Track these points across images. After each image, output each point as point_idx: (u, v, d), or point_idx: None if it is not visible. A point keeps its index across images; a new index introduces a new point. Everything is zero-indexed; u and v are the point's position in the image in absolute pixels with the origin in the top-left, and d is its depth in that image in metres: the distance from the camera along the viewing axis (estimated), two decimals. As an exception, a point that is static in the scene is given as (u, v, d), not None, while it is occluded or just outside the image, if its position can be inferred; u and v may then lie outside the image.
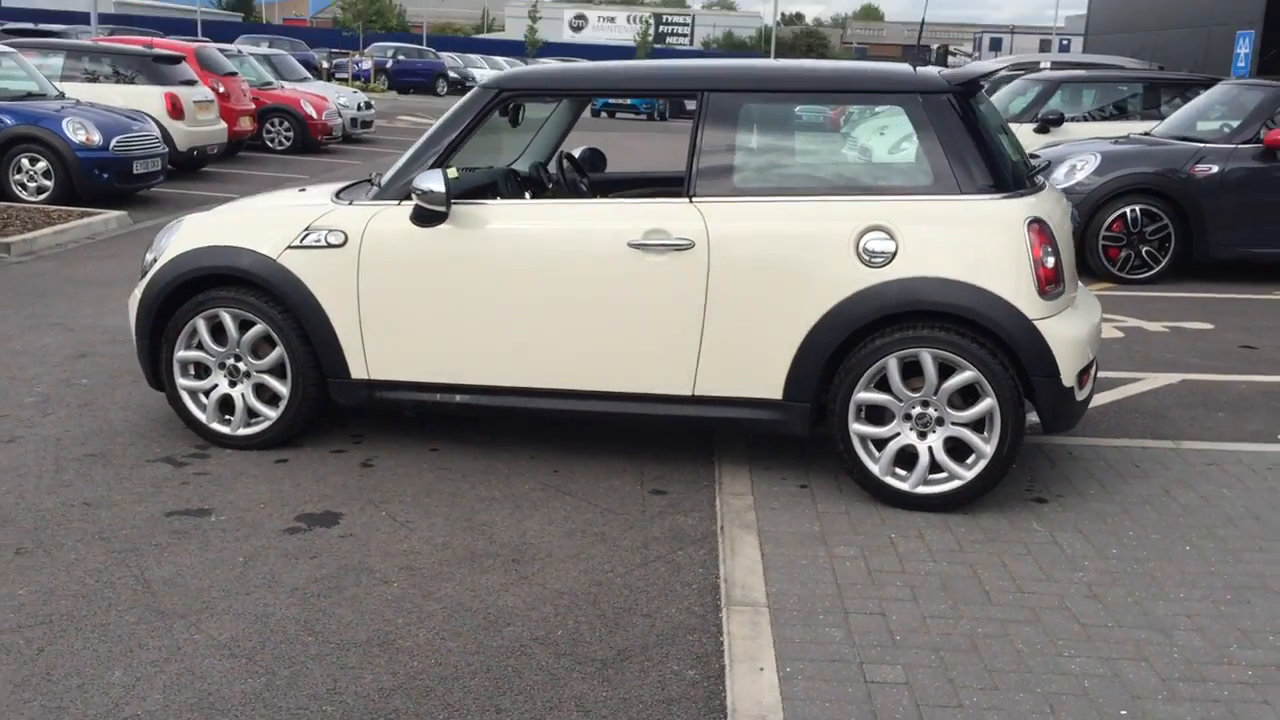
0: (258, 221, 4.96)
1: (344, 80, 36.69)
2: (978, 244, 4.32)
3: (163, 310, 4.91)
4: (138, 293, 5.01)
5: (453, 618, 3.57)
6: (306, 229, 4.74)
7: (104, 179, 11.40)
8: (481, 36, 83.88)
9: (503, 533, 4.21)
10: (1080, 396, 4.48)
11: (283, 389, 4.87)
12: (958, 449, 4.40)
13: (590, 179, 5.97)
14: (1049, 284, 4.34)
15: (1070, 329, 4.39)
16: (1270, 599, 3.80)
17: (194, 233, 4.96)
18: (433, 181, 4.50)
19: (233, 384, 4.93)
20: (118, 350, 6.41)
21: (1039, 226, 4.35)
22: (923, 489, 4.42)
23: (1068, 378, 4.33)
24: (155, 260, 4.97)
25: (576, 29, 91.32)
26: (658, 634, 3.51)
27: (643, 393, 4.61)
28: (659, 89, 5.02)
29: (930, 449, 4.40)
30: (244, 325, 4.84)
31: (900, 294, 4.31)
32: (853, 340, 4.40)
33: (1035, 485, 4.75)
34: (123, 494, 4.43)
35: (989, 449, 4.34)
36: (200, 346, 4.91)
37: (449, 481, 4.69)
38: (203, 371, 4.97)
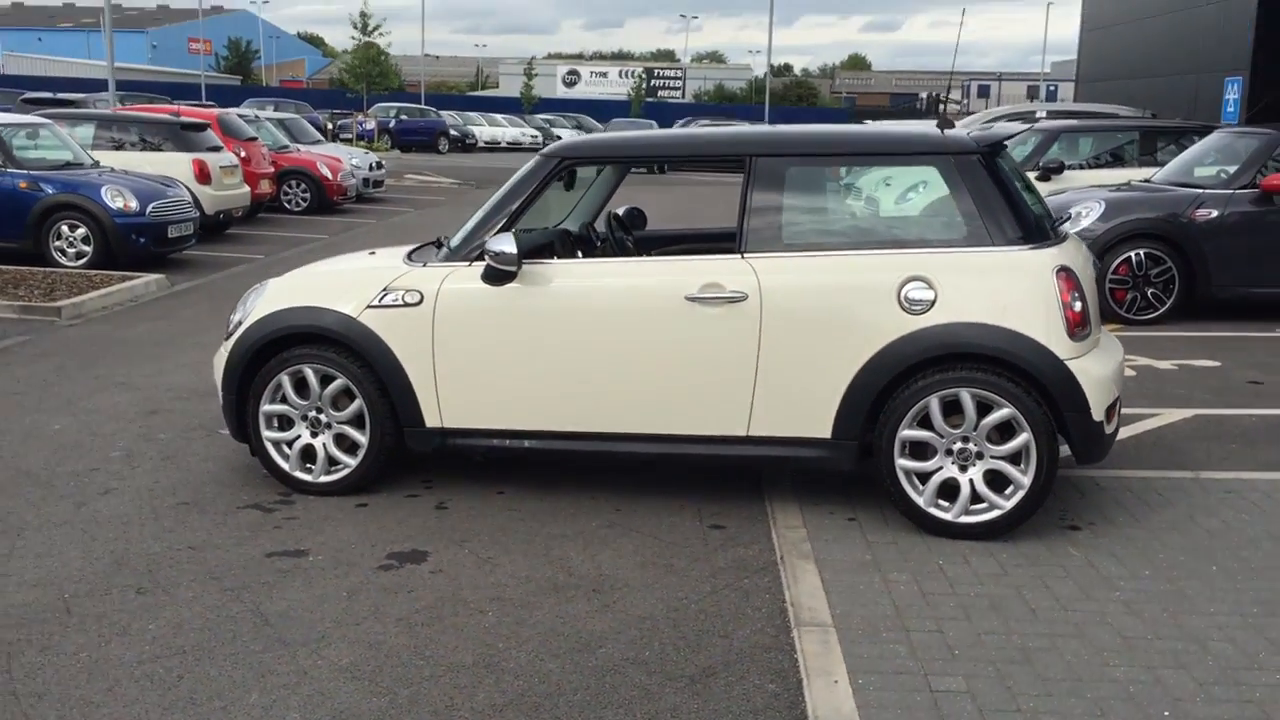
0: (338, 283, 5.34)
1: (348, 140, 37.33)
2: (1010, 291, 4.70)
3: (249, 367, 5.27)
4: (224, 351, 5.37)
5: (547, 642, 3.90)
6: (384, 289, 5.12)
7: (141, 243, 11.81)
8: (478, 94, 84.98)
9: (579, 566, 4.55)
10: (1109, 430, 4.83)
11: (361, 438, 5.22)
12: (997, 481, 4.75)
13: (634, 236, 6.36)
14: (1077, 326, 4.71)
15: (1098, 367, 4.76)
16: (1294, 611, 4.14)
17: (279, 295, 5.33)
18: (505, 244, 4.88)
19: (314, 434, 5.28)
20: (185, 406, 6.76)
21: (1066, 274, 4.73)
22: (965, 518, 4.76)
23: (1097, 412, 4.69)
24: (241, 321, 5.33)
25: (569, 84, 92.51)
26: (736, 652, 3.84)
27: (700, 434, 4.96)
28: (708, 155, 5.43)
29: (971, 481, 4.75)
30: (325, 380, 5.20)
31: (940, 338, 4.67)
32: (896, 382, 4.75)
33: (1068, 514, 5.10)
34: (222, 538, 4.77)
35: (1026, 480, 4.69)
36: (285, 400, 5.26)
37: (520, 521, 5.02)
38: (286, 423, 5.31)
